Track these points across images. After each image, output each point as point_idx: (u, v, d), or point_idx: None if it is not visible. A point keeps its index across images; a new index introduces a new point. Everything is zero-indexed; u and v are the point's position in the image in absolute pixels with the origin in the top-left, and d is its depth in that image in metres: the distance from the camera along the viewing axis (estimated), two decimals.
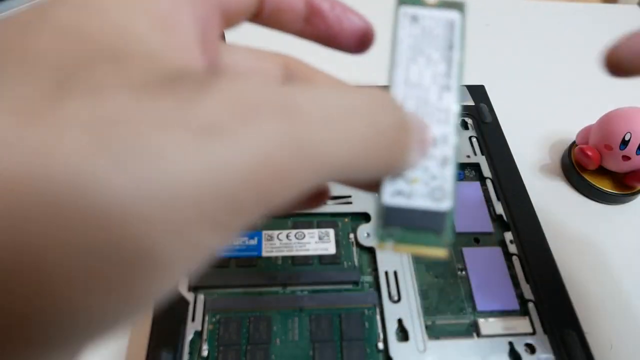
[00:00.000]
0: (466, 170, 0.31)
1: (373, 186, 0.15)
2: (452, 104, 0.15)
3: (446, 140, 0.15)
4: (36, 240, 0.07)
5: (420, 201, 0.15)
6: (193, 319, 0.23)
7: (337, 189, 0.29)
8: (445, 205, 0.15)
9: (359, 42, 0.16)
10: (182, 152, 0.08)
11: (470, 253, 0.27)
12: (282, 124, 0.09)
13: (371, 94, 0.12)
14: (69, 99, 0.08)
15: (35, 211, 0.07)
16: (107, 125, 0.07)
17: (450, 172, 0.15)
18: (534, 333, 0.24)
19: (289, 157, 0.09)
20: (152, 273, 0.08)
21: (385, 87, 0.15)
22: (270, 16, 0.15)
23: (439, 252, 0.15)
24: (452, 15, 0.16)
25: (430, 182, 0.15)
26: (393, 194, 0.15)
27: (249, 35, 0.20)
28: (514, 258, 0.26)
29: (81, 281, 0.08)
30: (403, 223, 0.15)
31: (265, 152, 0.09)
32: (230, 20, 0.14)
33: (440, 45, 0.16)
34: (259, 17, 0.15)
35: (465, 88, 0.35)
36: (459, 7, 0.16)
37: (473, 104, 0.34)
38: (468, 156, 0.31)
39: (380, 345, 0.23)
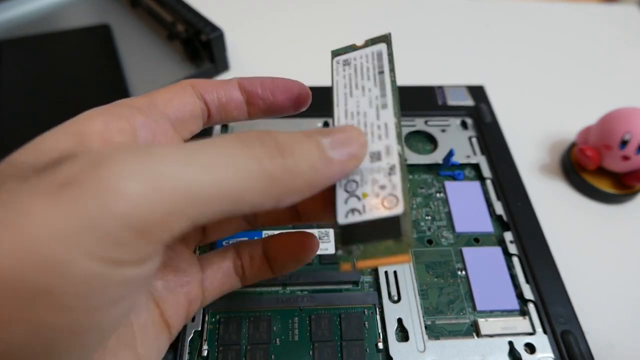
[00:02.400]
0: (466, 170, 0.31)
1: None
2: (389, 117, 0.16)
3: (389, 151, 0.16)
4: None
5: (374, 212, 0.15)
6: (193, 319, 0.23)
7: None
8: (398, 209, 0.15)
9: (295, 104, 0.19)
10: (45, 207, 0.11)
11: (470, 253, 0.27)
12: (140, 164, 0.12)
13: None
14: None
15: None
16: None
17: (398, 178, 0.15)
18: (534, 333, 0.24)
19: (145, 194, 0.11)
20: (56, 306, 0.11)
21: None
22: (220, 116, 0.18)
23: (403, 258, 0.15)
24: (379, 47, 0.18)
25: (380, 192, 0.15)
26: (347, 213, 0.15)
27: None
28: (514, 258, 0.26)
29: None
30: (361, 238, 0.15)
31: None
32: (183, 132, 0.17)
33: (372, 74, 0.17)
34: (210, 120, 0.18)
35: (465, 88, 0.35)
36: (385, 40, 0.18)
37: (473, 104, 0.34)
38: (468, 156, 0.31)
39: (380, 345, 0.23)
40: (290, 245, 0.20)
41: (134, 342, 0.16)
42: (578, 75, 0.44)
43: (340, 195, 0.16)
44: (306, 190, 0.14)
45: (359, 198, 0.15)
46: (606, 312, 0.28)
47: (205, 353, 0.22)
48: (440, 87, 0.35)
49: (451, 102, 0.34)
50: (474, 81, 0.37)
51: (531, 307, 0.24)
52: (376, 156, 0.16)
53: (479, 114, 0.33)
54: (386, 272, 0.25)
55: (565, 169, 0.35)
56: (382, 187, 0.15)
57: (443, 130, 0.33)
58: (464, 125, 0.33)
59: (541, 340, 0.23)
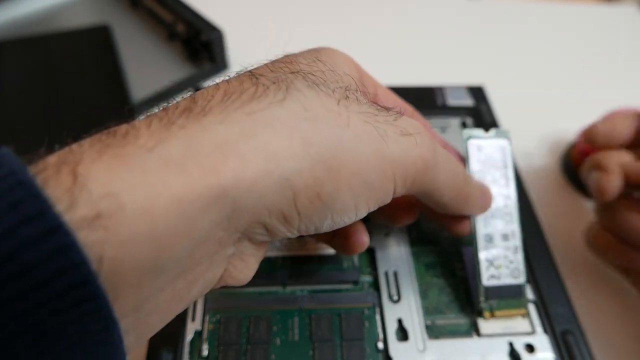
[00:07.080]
0: None
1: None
2: (513, 208, 0.24)
3: (514, 234, 0.24)
4: None
5: (506, 280, 0.23)
6: (193, 319, 0.23)
7: None
8: (521, 279, 0.23)
9: None
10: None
11: (471, 253, 0.27)
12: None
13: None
14: None
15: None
16: None
17: (520, 256, 0.23)
18: (533, 333, 0.24)
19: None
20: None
21: None
22: None
23: (522, 312, 0.24)
24: (503, 142, 0.24)
25: (510, 265, 0.23)
26: (488, 278, 0.23)
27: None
28: None
29: None
30: (497, 296, 0.23)
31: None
32: None
33: (499, 166, 0.24)
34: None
35: (465, 88, 0.35)
36: (506, 136, 0.24)
37: (473, 104, 0.34)
38: None
39: (380, 345, 0.23)
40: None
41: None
42: (578, 76, 0.44)
43: (484, 264, 0.23)
44: (448, 208, 0.21)
45: (496, 268, 0.23)
46: (606, 312, 0.28)
47: (205, 353, 0.22)
48: (440, 88, 0.35)
49: (451, 102, 0.34)
50: (474, 81, 0.37)
51: (531, 307, 0.24)
52: (507, 237, 0.23)
53: (479, 114, 0.33)
54: (386, 272, 0.25)
55: (565, 169, 0.35)
56: (511, 262, 0.23)
57: (443, 131, 0.33)
58: (464, 125, 0.33)
59: (541, 340, 0.23)
